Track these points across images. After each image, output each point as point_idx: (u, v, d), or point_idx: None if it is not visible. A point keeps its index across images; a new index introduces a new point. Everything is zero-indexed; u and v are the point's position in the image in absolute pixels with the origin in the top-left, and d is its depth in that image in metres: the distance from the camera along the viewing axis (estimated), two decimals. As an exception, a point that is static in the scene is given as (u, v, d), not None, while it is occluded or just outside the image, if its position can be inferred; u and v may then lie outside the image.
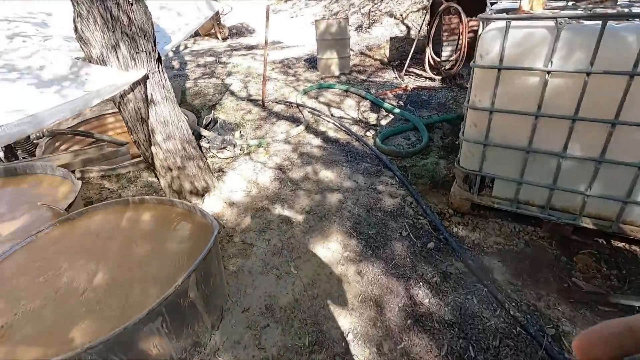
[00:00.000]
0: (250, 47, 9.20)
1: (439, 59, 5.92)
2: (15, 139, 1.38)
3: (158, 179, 2.99)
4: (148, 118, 2.58)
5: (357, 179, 3.27)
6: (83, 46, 2.30)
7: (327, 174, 3.39)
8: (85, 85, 2.23)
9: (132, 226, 2.06)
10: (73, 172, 3.87)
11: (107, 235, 2.00)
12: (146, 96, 2.50)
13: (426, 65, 5.98)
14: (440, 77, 5.89)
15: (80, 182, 2.57)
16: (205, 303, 1.74)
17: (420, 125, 4.17)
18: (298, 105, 5.16)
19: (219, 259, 2.00)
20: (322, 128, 4.50)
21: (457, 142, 3.83)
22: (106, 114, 5.12)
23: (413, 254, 2.34)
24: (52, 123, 1.68)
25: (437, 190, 3.00)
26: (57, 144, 4.64)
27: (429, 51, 5.89)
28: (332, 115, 4.88)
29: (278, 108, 5.25)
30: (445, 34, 5.85)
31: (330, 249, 2.43)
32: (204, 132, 4.27)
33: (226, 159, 3.98)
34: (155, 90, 2.52)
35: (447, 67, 5.91)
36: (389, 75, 6.44)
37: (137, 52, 2.35)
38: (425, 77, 6.07)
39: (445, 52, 5.94)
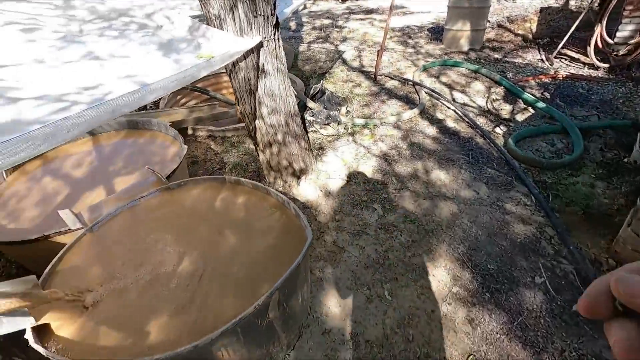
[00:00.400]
0: (369, 11, 8.55)
1: (610, 41, 4.55)
2: (121, 113, 1.26)
3: (257, 153, 2.85)
4: (256, 90, 2.38)
5: (479, 189, 2.67)
6: (202, 5, 2.14)
7: (440, 175, 2.86)
8: (200, 49, 2.09)
9: (224, 209, 1.93)
10: (186, 129, 4.05)
11: (199, 215, 1.90)
12: (257, 66, 2.28)
13: (590, 47, 4.67)
14: (607, 65, 4.56)
15: (186, 147, 2.56)
16: (284, 322, 1.52)
17: (572, 128, 3.25)
18: (414, 84, 4.54)
19: (307, 270, 1.75)
20: (439, 115, 3.87)
21: (626, 160, 2.87)
22: (222, 73, 5.25)
23: (550, 314, 1.76)
24: (160, 96, 1.55)
25: (592, 226, 2.26)
26: (178, 97, 4.93)
27: (599, 29, 4.56)
28: (453, 100, 4.17)
29: (391, 84, 4.71)
30: (630, 7, 4.42)
31: (436, 277, 2.00)
32: (310, 104, 4.02)
33: (328, 136, 3.71)
34: (268, 60, 2.28)
35: (621, 52, 4.53)
36: (533, 57, 5.27)
37: (254, 16, 2.10)
38: (585, 64, 4.79)
39: (623, 32, 4.53)
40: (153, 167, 2.18)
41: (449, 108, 3.98)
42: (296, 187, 2.84)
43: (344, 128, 3.76)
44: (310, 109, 3.99)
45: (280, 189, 2.84)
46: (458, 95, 4.27)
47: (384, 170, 2.98)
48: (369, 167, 3.04)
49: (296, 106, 2.68)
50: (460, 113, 3.84)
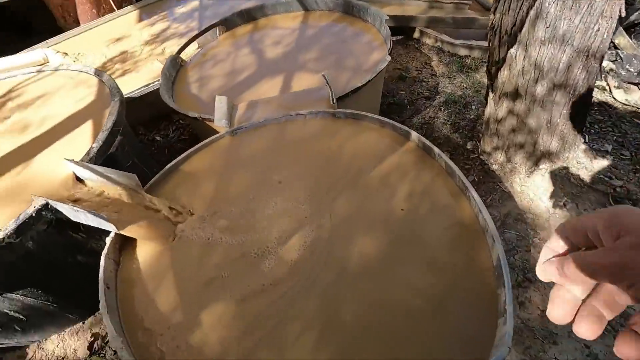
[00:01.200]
0: None
1: None
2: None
3: (486, 99, 1.80)
4: (543, -11, 1.25)
5: None
6: None
7: None
8: None
9: (391, 185, 1.18)
10: (414, 29, 3.14)
11: (356, 176, 1.23)
12: None
13: None
14: None
15: (389, 59, 1.78)
16: None
17: None
18: None
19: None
20: None
21: None
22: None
23: None
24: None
25: None
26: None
27: None
28: None
29: None
30: None
31: None
32: (620, 39, 2.35)
33: (624, 103, 2.14)
34: None
35: None
36: None
37: None
38: None
39: None
40: (329, 77, 1.54)
41: None
42: (523, 175, 1.74)
43: (668, 101, 2.07)
44: (616, 48, 2.34)
45: (495, 167, 1.81)
46: None
47: None
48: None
49: (606, 41, 1.39)
50: None
